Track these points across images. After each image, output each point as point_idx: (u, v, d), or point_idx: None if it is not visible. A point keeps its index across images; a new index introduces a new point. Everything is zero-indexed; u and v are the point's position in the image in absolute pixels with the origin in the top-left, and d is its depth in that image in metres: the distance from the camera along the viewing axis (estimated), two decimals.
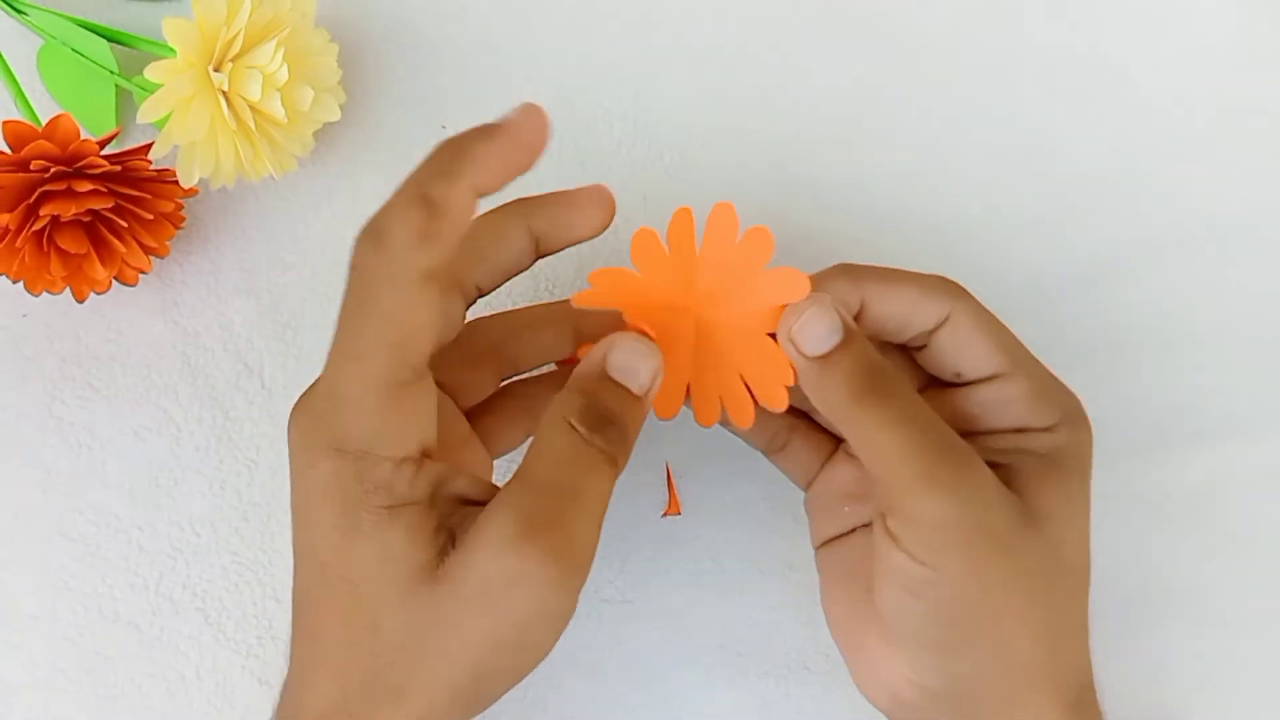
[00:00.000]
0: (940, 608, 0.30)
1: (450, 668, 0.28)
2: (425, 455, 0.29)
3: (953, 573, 0.29)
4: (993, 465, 0.31)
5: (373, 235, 0.29)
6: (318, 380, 0.30)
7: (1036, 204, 0.42)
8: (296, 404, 0.30)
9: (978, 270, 0.41)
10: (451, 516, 0.29)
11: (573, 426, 0.29)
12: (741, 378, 0.33)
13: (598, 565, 0.38)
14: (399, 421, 0.29)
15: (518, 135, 0.29)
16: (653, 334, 0.32)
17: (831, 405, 0.30)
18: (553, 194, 0.32)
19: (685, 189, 0.41)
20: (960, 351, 0.32)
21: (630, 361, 0.30)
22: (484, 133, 0.29)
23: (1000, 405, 0.32)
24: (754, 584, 0.39)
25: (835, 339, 0.30)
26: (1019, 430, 0.32)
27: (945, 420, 0.32)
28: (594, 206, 0.32)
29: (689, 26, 0.43)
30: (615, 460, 0.30)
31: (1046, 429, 0.32)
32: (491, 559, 0.28)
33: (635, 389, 0.30)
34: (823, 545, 0.35)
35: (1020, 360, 0.32)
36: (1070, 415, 0.32)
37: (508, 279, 0.33)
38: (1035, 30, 0.43)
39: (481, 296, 0.33)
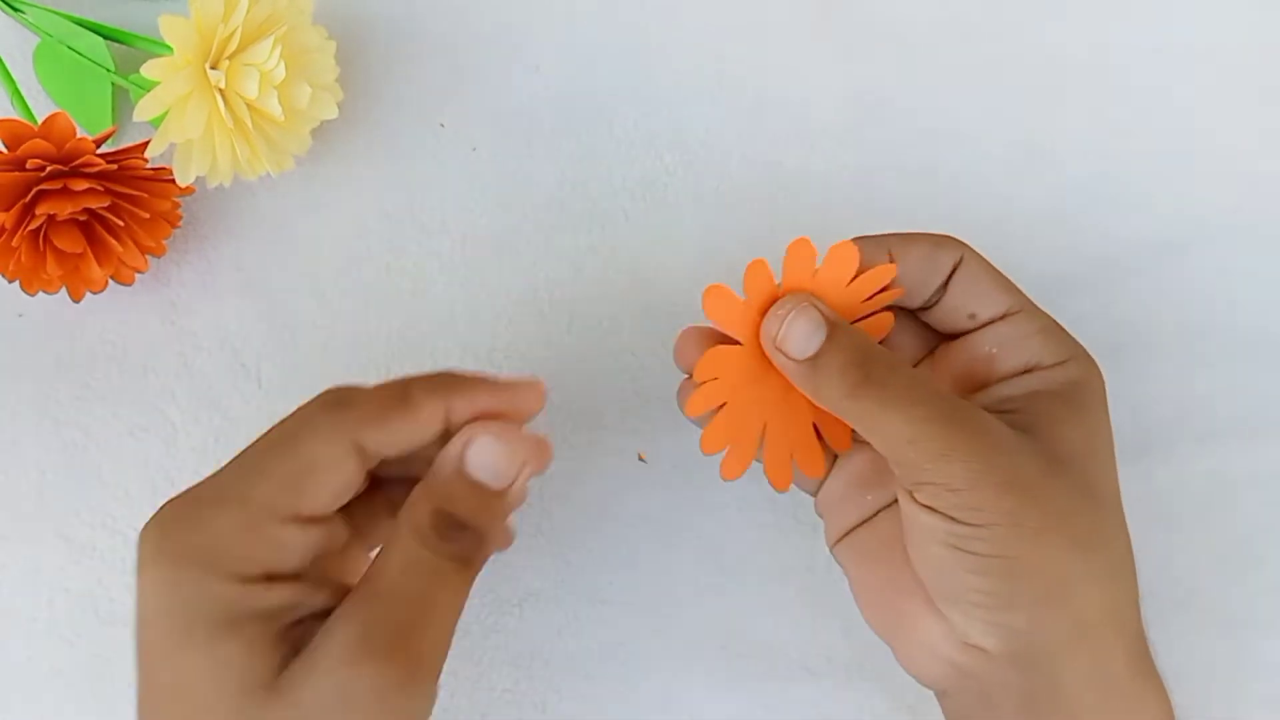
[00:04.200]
0: (987, 561, 0.29)
1: None
2: (280, 578, 0.28)
3: (993, 524, 0.29)
4: (1009, 412, 0.31)
5: (336, 396, 0.29)
6: (188, 491, 0.29)
7: (1038, 204, 0.42)
8: (159, 510, 0.28)
9: None
10: (298, 628, 0.28)
11: (421, 535, 0.28)
12: (814, 425, 0.33)
13: (598, 565, 0.39)
14: (261, 549, 0.28)
15: (511, 392, 0.30)
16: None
17: (831, 401, 0.31)
18: (480, 380, 0.31)
19: (685, 189, 0.41)
20: (975, 291, 0.33)
21: (489, 460, 0.29)
22: (484, 377, 0.30)
23: (1016, 341, 0.32)
24: (754, 585, 0.39)
25: (820, 337, 0.30)
26: (1031, 370, 0.32)
27: (961, 369, 0.33)
28: (526, 400, 0.31)
29: (688, 25, 0.43)
30: (470, 563, 0.29)
31: (1059, 364, 0.32)
32: (328, 674, 0.27)
33: (496, 486, 0.30)
34: (841, 539, 0.34)
35: (1027, 301, 0.33)
36: (1080, 351, 0.32)
37: (407, 451, 0.30)
38: (1036, 28, 0.43)
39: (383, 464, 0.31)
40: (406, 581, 0.28)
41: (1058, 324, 0.33)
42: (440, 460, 0.30)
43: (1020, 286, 0.34)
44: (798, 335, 0.31)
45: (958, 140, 0.42)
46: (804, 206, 0.41)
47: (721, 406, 0.32)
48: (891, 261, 0.32)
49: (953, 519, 0.29)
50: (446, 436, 0.30)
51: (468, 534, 0.29)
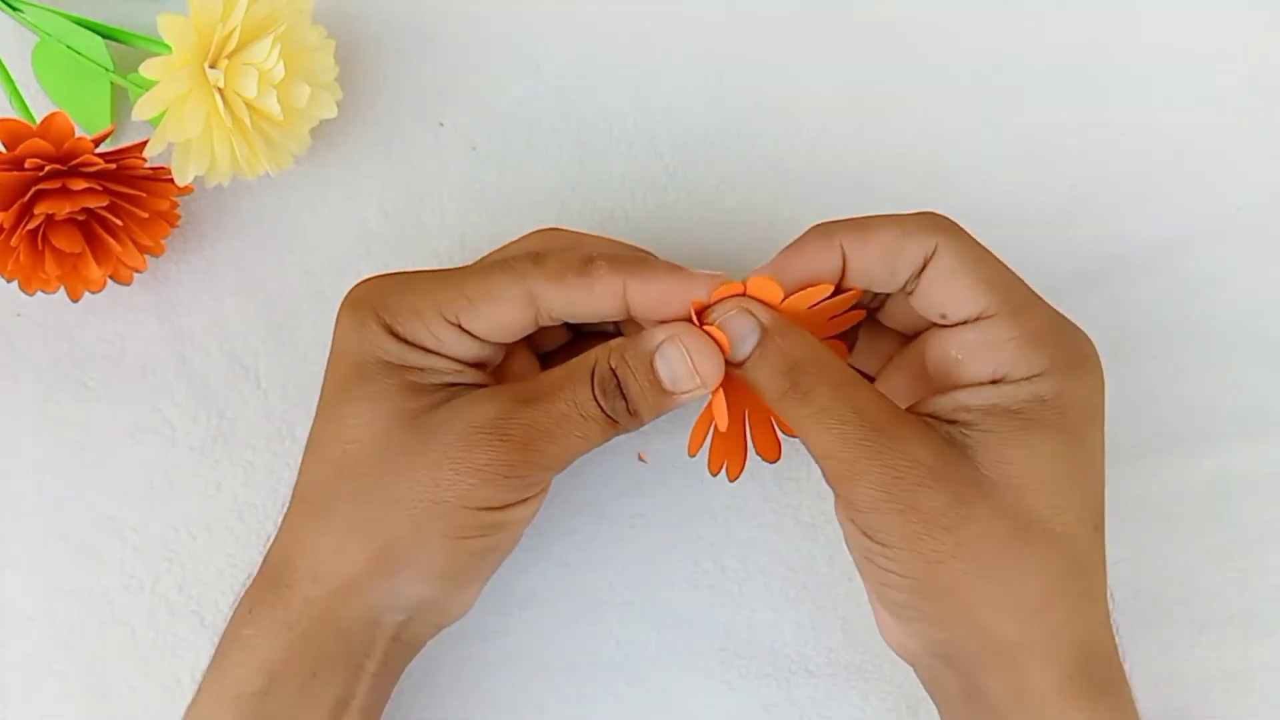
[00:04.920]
0: (896, 578, 0.30)
1: (393, 511, 0.31)
2: (439, 354, 0.33)
3: (895, 547, 0.30)
4: (959, 424, 0.30)
5: (535, 256, 0.32)
6: (403, 272, 0.34)
7: (1040, 202, 0.42)
8: (371, 277, 0.34)
9: None
10: (453, 389, 0.32)
11: (592, 380, 0.31)
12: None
13: (597, 566, 0.39)
14: (423, 334, 0.32)
15: (691, 283, 0.32)
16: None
17: (767, 400, 0.31)
18: (663, 267, 0.32)
19: (685, 188, 0.41)
20: (943, 289, 0.31)
21: (674, 365, 0.31)
22: (669, 266, 0.32)
23: (984, 349, 0.31)
24: (754, 585, 0.39)
25: (752, 341, 0.31)
26: (998, 381, 0.30)
27: (932, 367, 0.32)
28: (703, 293, 0.32)
29: (689, 24, 0.43)
30: (615, 423, 0.32)
31: (1029, 378, 0.30)
32: (459, 431, 0.31)
33: (667, 387, 0.31)
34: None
35: (1012, 300, 0.31)
36: (1063, 363, 0.30)
37: (587, 322, 0.34)
38: (1037, 28, 0.43)
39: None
40: (558, 401, 0.31)
41: (1046, 331, 0.31)
42: (645, 336, 0.32)
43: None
44: (730, 339, 0.31)
45: (958, 140, 0.42)
46: (804, 206, 0.41)
47: (713, 429, 0.32)
48: (844, 256, 0.32)
49: (864, 534, 0.30)
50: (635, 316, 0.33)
51: (623, 404, 0.32)
